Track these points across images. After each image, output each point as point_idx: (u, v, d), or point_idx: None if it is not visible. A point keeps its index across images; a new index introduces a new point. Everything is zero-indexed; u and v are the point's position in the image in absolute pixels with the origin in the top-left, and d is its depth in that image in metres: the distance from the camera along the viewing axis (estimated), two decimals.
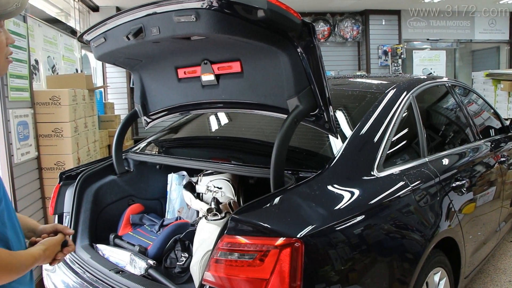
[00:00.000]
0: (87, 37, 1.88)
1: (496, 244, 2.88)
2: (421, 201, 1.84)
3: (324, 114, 1.65)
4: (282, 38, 1.53)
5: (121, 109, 7.15)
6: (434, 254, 1.86)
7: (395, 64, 8.54)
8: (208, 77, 1.90)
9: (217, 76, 1.87)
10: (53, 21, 5.50)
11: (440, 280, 1.95)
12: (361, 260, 1.49)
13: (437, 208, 1.94)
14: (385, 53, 8.54)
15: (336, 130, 1.69)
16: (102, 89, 6.34)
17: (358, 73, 8.25)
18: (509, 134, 3.29)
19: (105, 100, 6.65)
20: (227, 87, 1.89)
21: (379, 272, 1.55)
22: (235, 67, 1.79)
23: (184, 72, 1.98)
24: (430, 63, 8.81)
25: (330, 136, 1.79)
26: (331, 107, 1.63)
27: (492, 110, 3.39)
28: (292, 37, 1.53)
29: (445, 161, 2.25)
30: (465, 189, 2.19)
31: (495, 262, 3.19)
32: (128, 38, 1.68)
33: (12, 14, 1.10)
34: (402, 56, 8.54)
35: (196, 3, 1.43)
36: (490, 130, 3.15)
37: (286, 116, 1.62)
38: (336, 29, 8.54)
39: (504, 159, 2.86)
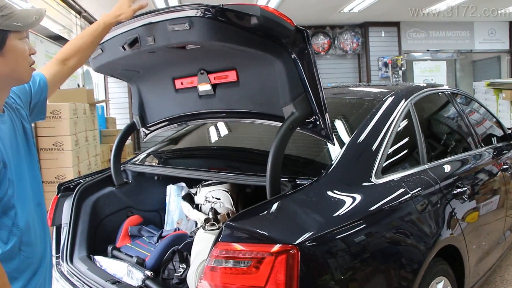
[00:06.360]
0: None
1: (502, 254, 2.82)
2: (421, 208, 1.81)
3: (320, 120, 1.64)
4: (276, 45, 1.53)
5: (123, 124, 7.19)
6: (436, 263, 1.83)
7: (396, 76, 8.56)
8: (204, 87, 1.90)
9: (214, 86, 1.88)
10: (56, 38, 5.59)
11: None
12: (359, 268, 1.46)
13: (438, 215, 1.90)
14: (386, 64, 8.57)
15: (333, 137, 1.68)
16: (104, 104, 6.39)
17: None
18: None
19: (107, 115, 6.69)
20: (224, 97, 1.89)
21: (378, 280, 1.52)
22: (231, 76, 1.80)
23: (181, 83, 1.99)
24: (430, 74, 8.83)
25: (328, 143, 1.78)
26: (327, 114, 1.62)
27: (494, 118, 3.36)
28: (286, 43, 1.54)
29: (446, 168, 2.22)
30: (466, 196, 2.15)
31: (501, 272, 3.13)
32: (124, 48, 1.70)
33: (31, 25, 1.20)
34: (402, 67, 8.56)
35: (189, 12, 1.44)
36: (492, 138, 3.11)
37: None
38: (336, 42, 8.60)
39: (507, 166, 2.82)
